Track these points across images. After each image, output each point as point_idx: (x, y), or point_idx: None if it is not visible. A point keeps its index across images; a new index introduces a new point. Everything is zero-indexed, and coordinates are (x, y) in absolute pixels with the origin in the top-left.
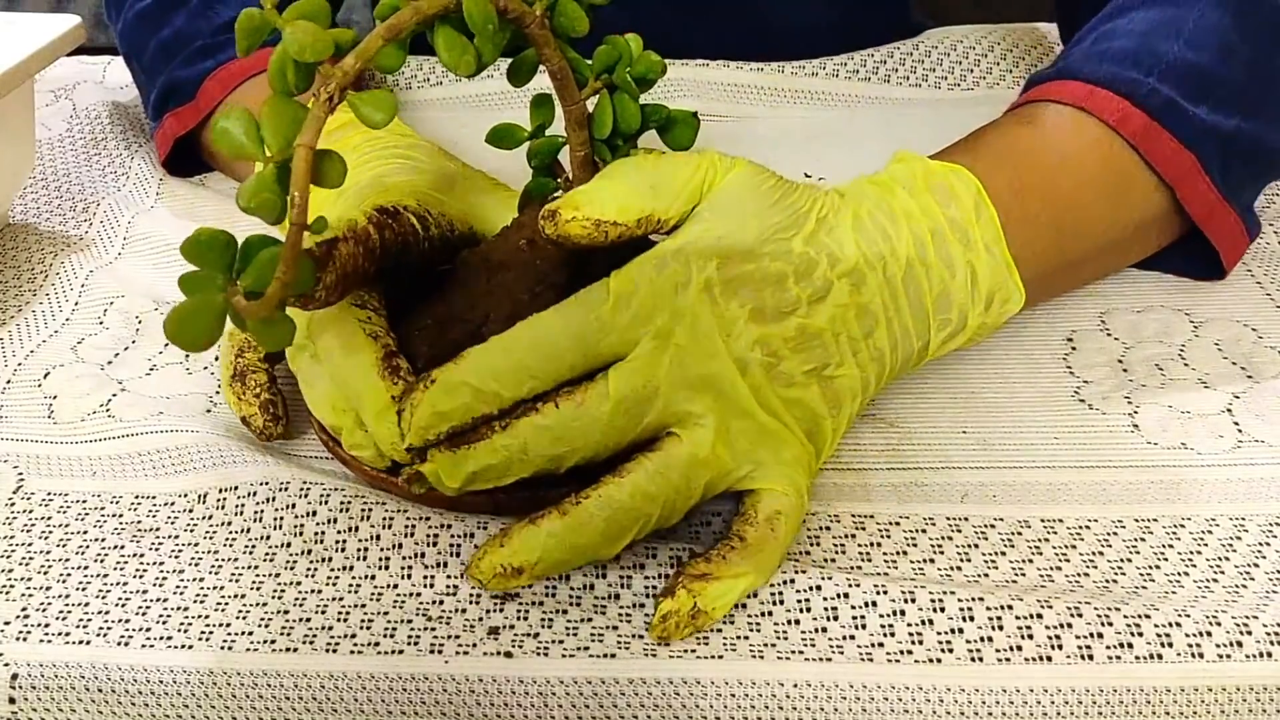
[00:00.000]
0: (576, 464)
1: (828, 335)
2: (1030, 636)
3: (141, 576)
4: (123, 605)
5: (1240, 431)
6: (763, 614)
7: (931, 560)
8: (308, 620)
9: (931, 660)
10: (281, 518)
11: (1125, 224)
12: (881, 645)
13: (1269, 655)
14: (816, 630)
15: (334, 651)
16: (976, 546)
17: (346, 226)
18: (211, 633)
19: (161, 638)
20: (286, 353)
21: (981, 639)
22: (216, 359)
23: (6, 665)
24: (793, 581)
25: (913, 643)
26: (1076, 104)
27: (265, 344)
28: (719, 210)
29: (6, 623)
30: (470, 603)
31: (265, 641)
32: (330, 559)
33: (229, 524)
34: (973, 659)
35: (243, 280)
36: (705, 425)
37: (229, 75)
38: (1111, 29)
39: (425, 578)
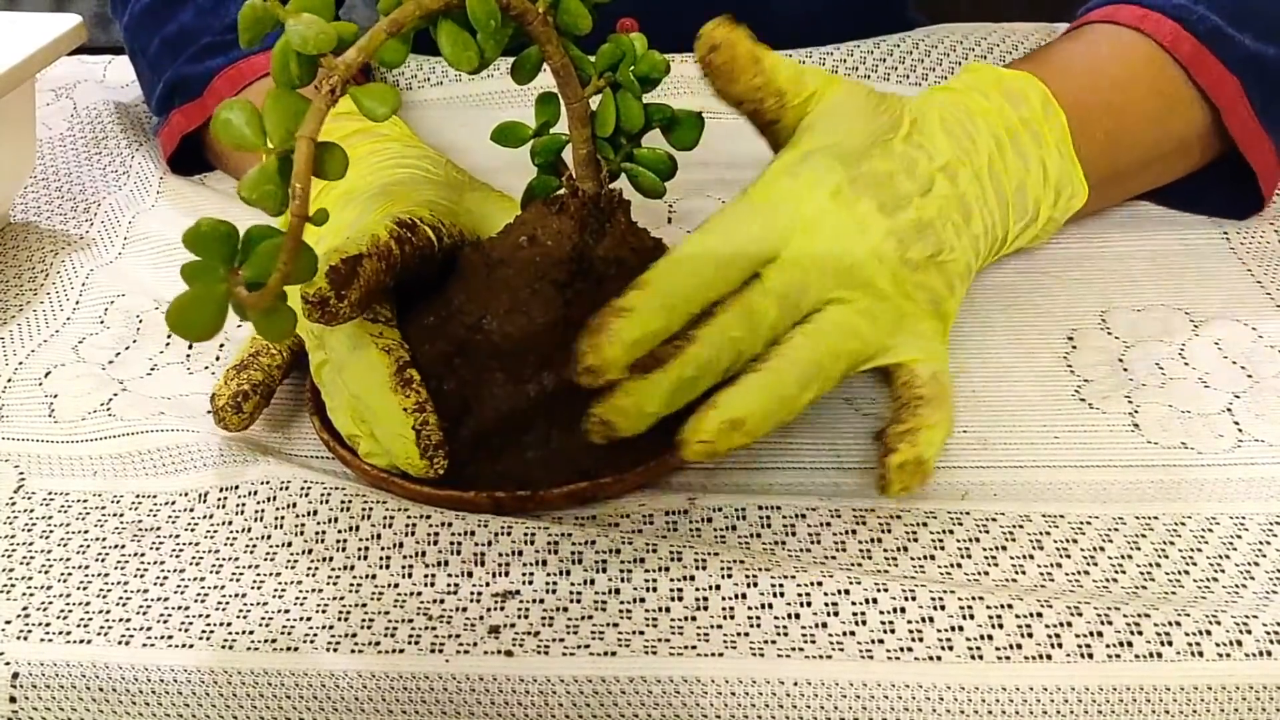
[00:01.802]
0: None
1: (938, 224)
2: (1030, 635)
3: (142, 576)
4: (123, 604)
5: (1240, 431)
6: (763, 611)
7: (931, 557)
8: (308, 619)
9: (932, 658)
10: (282, 517)
11: (1171, 139)
12: (881, 642)
13: (1269, 654)
14: (816, 627)
15: (334, 651)
16: (977, 542)
17: (371, 242)
18: (212, 632)
19: (162, 637)
20: (311, 368)
21: (982, 637)
22: (218, 359)
23: (7, 664)
24: (793, 578)
25: (913, 640)
26: (1132, 25)
27: (266, 335)
28: (830, 119)
29: (7, 622)
30: (471, 601)
31: (266, 641)
32: (331, 558)
33: (229, 523)
34: (973, 657)
35: (244, 271)
36: (854, 306)
37: (238, 74)
38: None
39: (426, 577)
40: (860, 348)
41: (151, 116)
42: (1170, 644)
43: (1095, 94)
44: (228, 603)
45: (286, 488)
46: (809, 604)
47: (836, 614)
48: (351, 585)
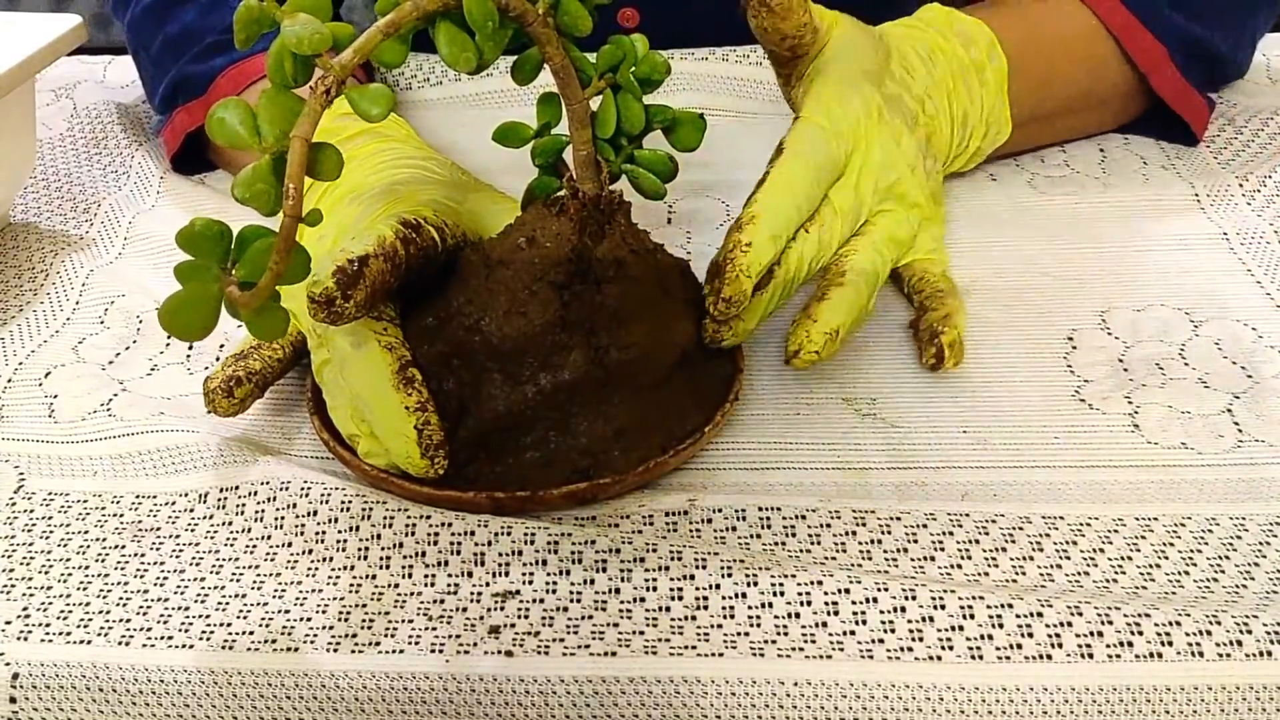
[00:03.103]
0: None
1: (934, 140)
2: (1030, 635)
3: (142, 576)
4: (123, 605)
5: (1240, 431)
6: (763, 611)
7: (932, 558)
8: (308, 620)
9: (932, 658)
10: (282, 517)
11: (1098, 95)
12: (882, 642)
13: (1269, 654)
14: (816, 626)
15: (335, 651)
16: (977, 543)
17: (378, 243)
18: (212, 632)
19: (162, 637)
20: (312, 366)
21: (982, 637)
22: (218, 359)
23: (7, 665)
24: (793, 577)
25: (913, 640)
26: None
27: (258, 334)
28: (851, 48)
29: (7, 622)
30: (471, 601)
31: (266, 641)
32: (331, 558)
33: (230, 524)
34: (973, 657)
35: (237, 271)
36: (898, 216)
37: (241, 74)
38: None
39: (426, 577)
40: (901, 254)
41: (152, 115)
42: (1170, 644)
43: (1031, 45)
44: (228, 603)
45: (286, 488)
46: (809, 603)
47: (836, 613)
48: (351, 585)
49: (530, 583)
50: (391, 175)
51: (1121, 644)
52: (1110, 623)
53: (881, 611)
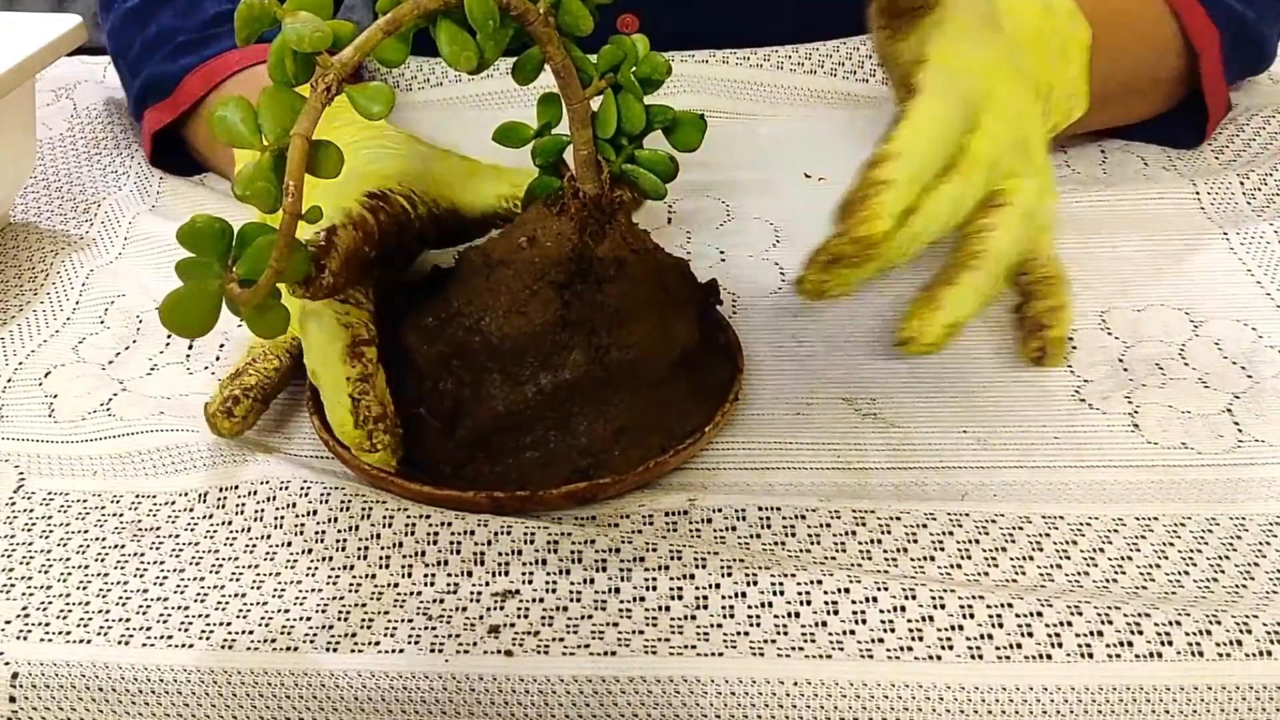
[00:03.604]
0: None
1: (1052, 96)
2: (1030, 634)
3: (142, 576)
4: (123, 604)
5: (1240, 431)
6: (763, 610)
7: (931, 558)
8: (308, 619)
9: (931, 657)
10: (281, 517)
11: (1157, 78)
12: (881, 642)
13: (1269, 654)
14: (816, 626)
15: (334, 650)
16: (977, 543)
17: (344, 214)
18: (212, 632)
19: (162, 637)
20: (308, 373)
21: (982, 636)
22: (218, 359)
23: (7, 664)
24: (793, 577)
25: (913, 639)
26: None
27: (258, 331)
28: (961, 5)
29: (7, 622)
30: (470, 601)
31: (265, 640)
32: (330, 558)
33: (229, 523)
34: (973, 656)
35: (238, 268)
36: (1031, 184)
37: (211, 71)
38: None
39: (425, 576)
40: (1036, 235)
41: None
42: (1170, 644)
43: (1103, 16)
44: (227, 602)
45: (286, 487)
46: (809, 603)
47: (836, 613)
48: (351, 585)
49: (530, 582)
50: (349, 163)
51: (1121, 644)
52: (1110, 622)
53: (881, 611)
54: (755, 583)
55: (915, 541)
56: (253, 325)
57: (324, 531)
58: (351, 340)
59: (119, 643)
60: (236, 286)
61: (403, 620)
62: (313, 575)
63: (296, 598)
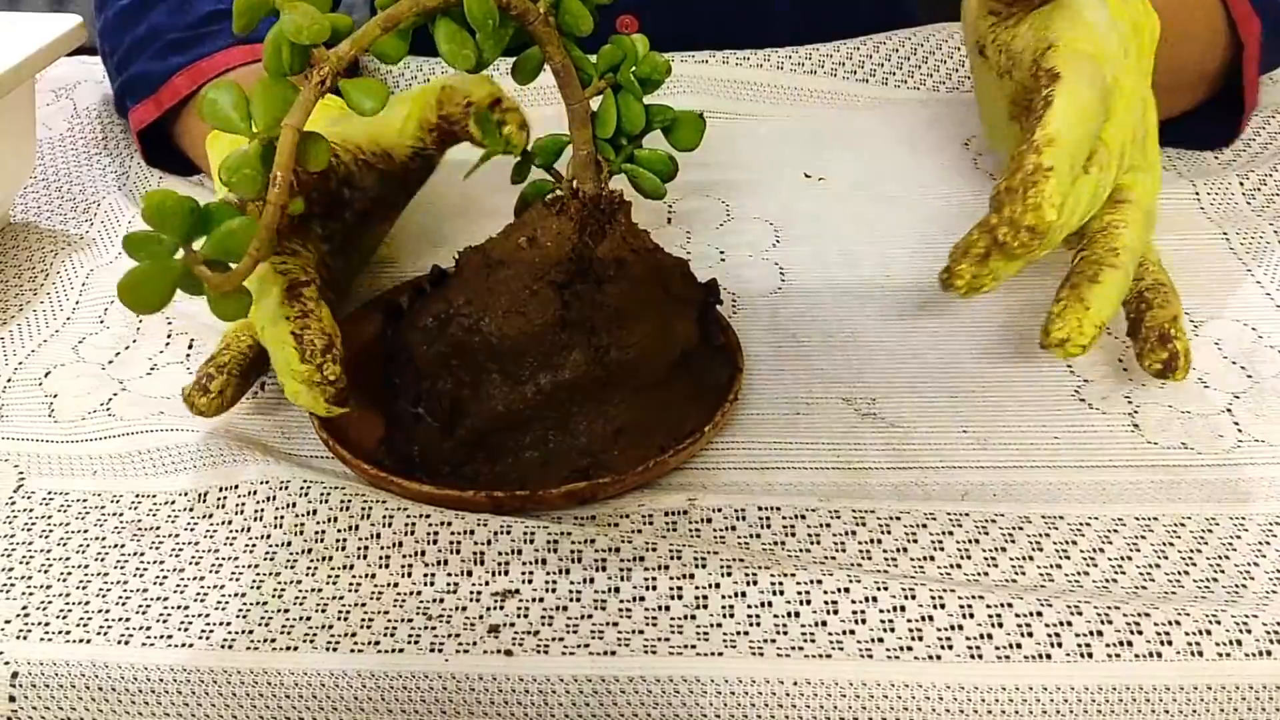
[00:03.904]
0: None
1: (1147, 101)
2: (1030, 634)
3: (141, 575)
4: (123, 604)
5: (1240, 431)
6: (762, 610)
7: (931, 557)
8: (308, 619)
9: (931, 657)
10: (281, 516)
11: (1202, 71)
12: (881, 641)
13: (1268, 654)
14: (816, 625)
15: (334, 650)
16: (977, 543)
17: None
18: (211, 631)
19: (161, 636)
20: (258, 333)
21: (981, 636)
22: None
23: (7, 664)
24: (793, 576)
25: (913, 639)
26: None
27: (221, 314)
28: None
29: (7, 621)
30: (470, 600)
31: (265, 640)
32: (330, 557)
33: (229, 523)
34: (972, 656)
35: (204, 248)
36: (1148, 179)
37: (198, 71)
38: None
39: (425, 576)
40: (1151, 231)
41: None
42: (1170, 644)
43: (1168, 14)
44: (227, 602)
45: (286, 487)
46: (808, 602)
47: (836, 612)
48: (351, 584)
49: (530, 582)
50: None
51: (1121, 643)
52: (1110, 622)
53: (881, 611)
54: (755, 582)
55: (915, 541)
56: (215, 308)
57: (324, 531)
58: (288, 285)
59: (119, 642)
60: (205, 269)
61: (403, 620)
62: (312, 575)
63: (296, 597)
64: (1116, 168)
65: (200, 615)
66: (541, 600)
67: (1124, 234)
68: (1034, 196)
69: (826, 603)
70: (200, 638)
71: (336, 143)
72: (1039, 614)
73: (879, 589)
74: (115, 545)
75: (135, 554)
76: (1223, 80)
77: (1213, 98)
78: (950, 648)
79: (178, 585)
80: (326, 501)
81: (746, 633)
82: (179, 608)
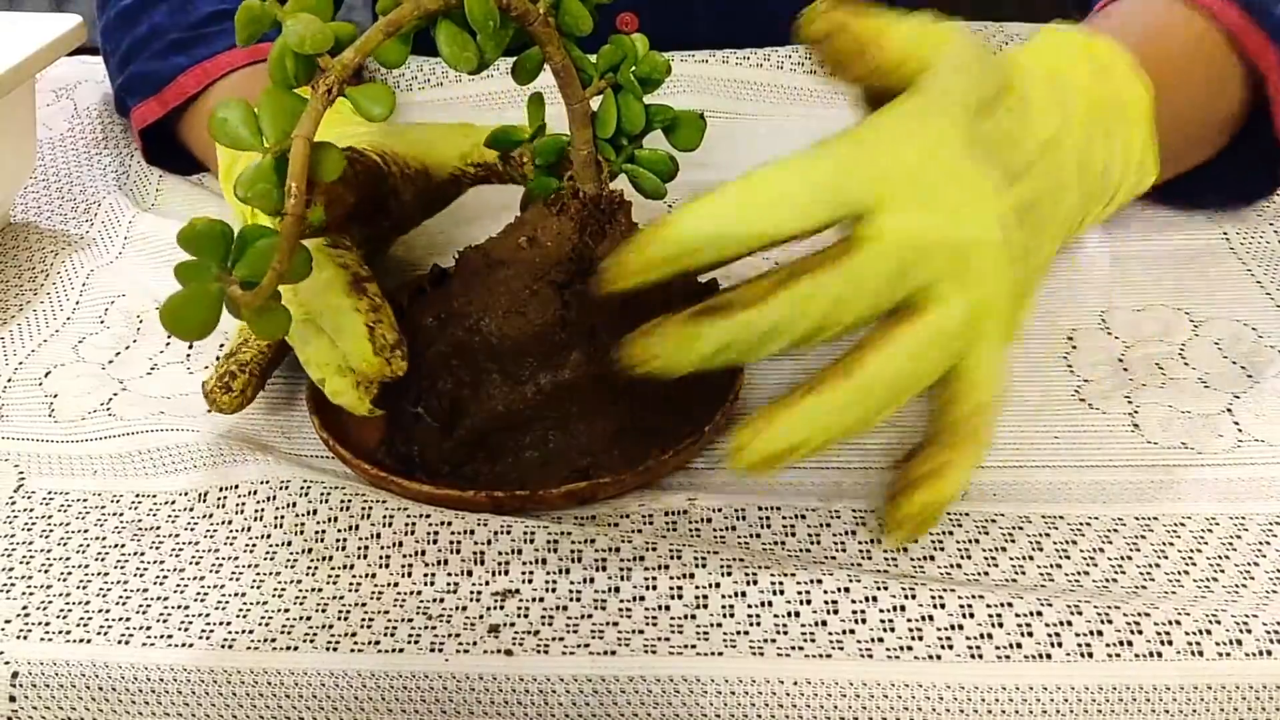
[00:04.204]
0: (835, 337)
1: (1039, 206)
2: (1030, 634)
3: (142, 575)
4: (123, 604)
5: (1240, 431)
6: (762, 610)
7: (931, 558)
8: (308, 619)
9: (931, 657)
10: (281, 516)
11: (1217, 116)
12: (881, 641)
13: (1268, 654)
14: (816, 625)
15: (334, 650)
16: (977, 543)
17: None
18: (211, 631)
19: (162, 636)
20: (299, 318)
21: (981, 636)
22: (218, 358)
23: (7, 664)
24: (793, 576)
25: (913, 639)
26: None
27: (261, 333)
28: (951, 72)
29: (7, 621)
30: (470, 600)
31: (265, 640)
32: (330, 557)
33: (229, 523)
34: (972, 656)
35: (238, 270)
36: (958, 300)
37: (204, 72)
38: None
39: (425, 576)
40: (954, 357)
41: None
42: (1170, 643)
43: (1161, 65)
44: (227, 602)
45: (286, 487)
46: (808, 602)
47: (836, 612)
48: (351, 584)
49: (530, 581)
50: (322, 134)
51: (1121, 643)
52: (1110, 622)
53: (881, 610)
54: (755, 582)
55: (915, 540)
56: (254, 327)
57: (324, 531)
58: (352, 278)
59: (119, 642)
60: (238, 289)
61: (403, 620)
62: (312, 575)
63: (296, 597)
64: (879, 281)
65: (200, 615)
66: (542, 600)
67: (870, 351)
68: (631, 241)
69: (826, 603)
70: (200, 638)
71: (387, 154)
72: (1039, 614)
73: (879, 589)
74: (115, 545)
75: (135, 554)
76: (1246, 122)
77: (1240, 143)
78: (950, 647)
79: (178, 585)
80: (326, 501)
81: (746, 632)
82: (179, 608)
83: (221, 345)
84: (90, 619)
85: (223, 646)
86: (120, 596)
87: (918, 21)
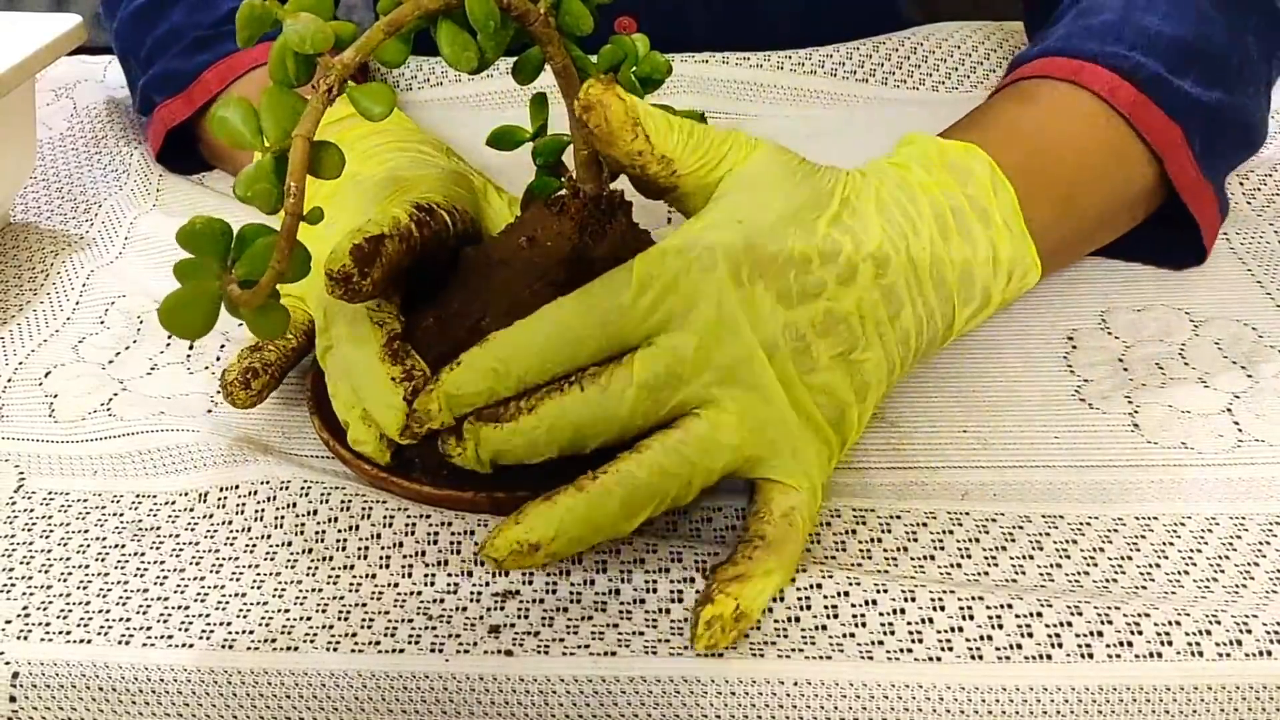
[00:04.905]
0: (600, 446)
1: (854, 318)
2: (1030, 635)
3: (142, 575)
4: (123, 604)
5: (1240, 431)
6: (763, 612)
7: (931, 557)
8: (308, 619)
9: (931, 658)
10: (282, 517)
11: (1120, 198)
12: (881, 643)
13: (1268, 654)
14: (816, 628)
15: (334, 650)
16: (977, 542)
17: (392, 224)
18: (212, 631)
19: (162, 636)
20: (316, 352)
21: (981, 637)
22: (218, 359)
23: (7, 664)
24: (793, 578)
25: (913, 641)
26: (1068, 79)
27: (258, 332)
28: (744, 190)
29: (7, 621)
30: (471, 601)
31: (265, 640)
32: (331, 558)
33: (229, 523)
34: (973, 657)
35: (237, 269)
36: (729, 410)
37: (228, 68)
38: (1090, 5)
39: (426, 576)
40: (727, 462)
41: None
42: (1170, 644)
43: (1044, 159)
44: (227, 602)
45: (286, 487)
46: (809, 606)
47: (836, 615)
48: (351, 585)
49: (530, 583)
50: (392, 161)
51: (1121, 644)
52: (1110, 622)
53: (881, 613)
54: None
55: (915, 541)
56: (253, 326)
57: (324, 531)
58: (388, 338)
59: (119, 643)
60: (236, 288)
61: (403, 620)
62: (313, 575)
63: (297, 597)
64: (647, 391)
65: (200, 615)
66: (542, 601)
67: (631, 458)
68: (428, 385)
69: (827, 606)
70: (200, 638)
71: (458, 210)
72: (1039, 614)
73: (879, 591)
74: (115, 545)
75: (136, 554)
76: (1166, 193)
77: (1168, 211)
78: (950, 649)
79: (178, 585)
80: (327, 502)
81: (747, 634)
82: (179, 608)
83: (222, 346)
84: (90, 619)
85: (223, 647)
86: (121, 597)
87: (726, 134)
